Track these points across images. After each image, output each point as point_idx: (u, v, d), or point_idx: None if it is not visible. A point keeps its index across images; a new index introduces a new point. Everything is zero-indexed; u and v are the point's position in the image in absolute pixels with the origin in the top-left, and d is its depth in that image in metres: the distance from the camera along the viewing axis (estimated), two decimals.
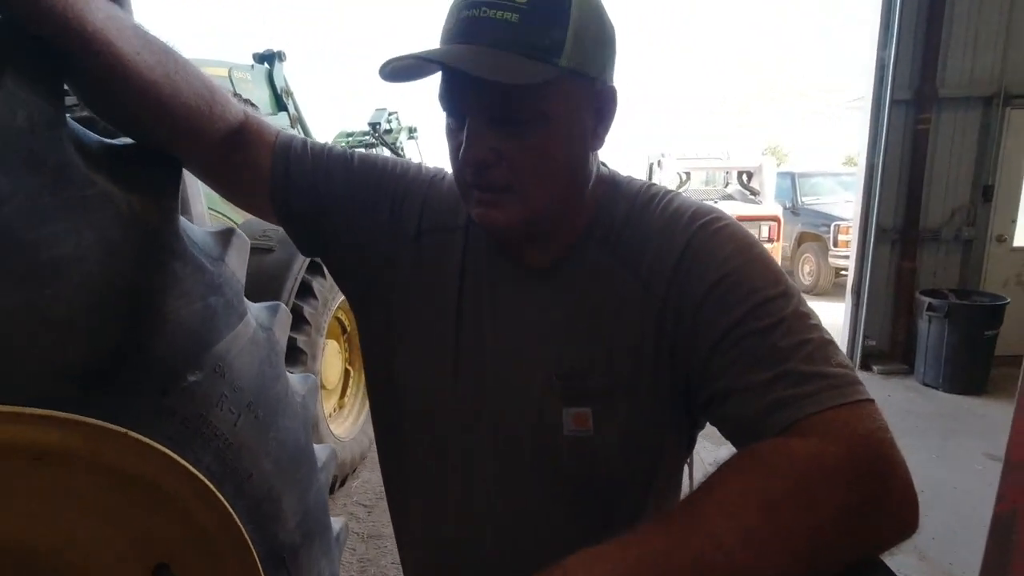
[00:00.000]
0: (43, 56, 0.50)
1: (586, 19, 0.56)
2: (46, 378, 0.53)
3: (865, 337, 4.52)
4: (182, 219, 0.70)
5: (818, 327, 0.57)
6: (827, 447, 0.49)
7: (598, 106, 0.61)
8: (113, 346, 0.57)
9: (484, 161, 0.57)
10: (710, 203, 0.74)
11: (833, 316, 5.09)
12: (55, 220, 0.49)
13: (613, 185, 0.68)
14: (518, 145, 0.57)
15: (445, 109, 0.60)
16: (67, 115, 0.52)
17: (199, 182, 0.72)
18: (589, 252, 0.65)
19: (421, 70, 0.56)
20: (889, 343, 4.53)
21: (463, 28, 0.54)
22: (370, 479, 3.17)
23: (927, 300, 4.04)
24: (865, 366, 4.52)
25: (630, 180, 0.69)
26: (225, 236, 0.78)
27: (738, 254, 0.59)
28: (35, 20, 0.48)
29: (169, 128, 0.61)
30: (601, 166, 0.69)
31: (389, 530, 2.74)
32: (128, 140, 0.64)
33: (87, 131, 0.59)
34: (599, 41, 0.58)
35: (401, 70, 0.56)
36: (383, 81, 0.58)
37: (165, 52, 0.59)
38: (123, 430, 0.56)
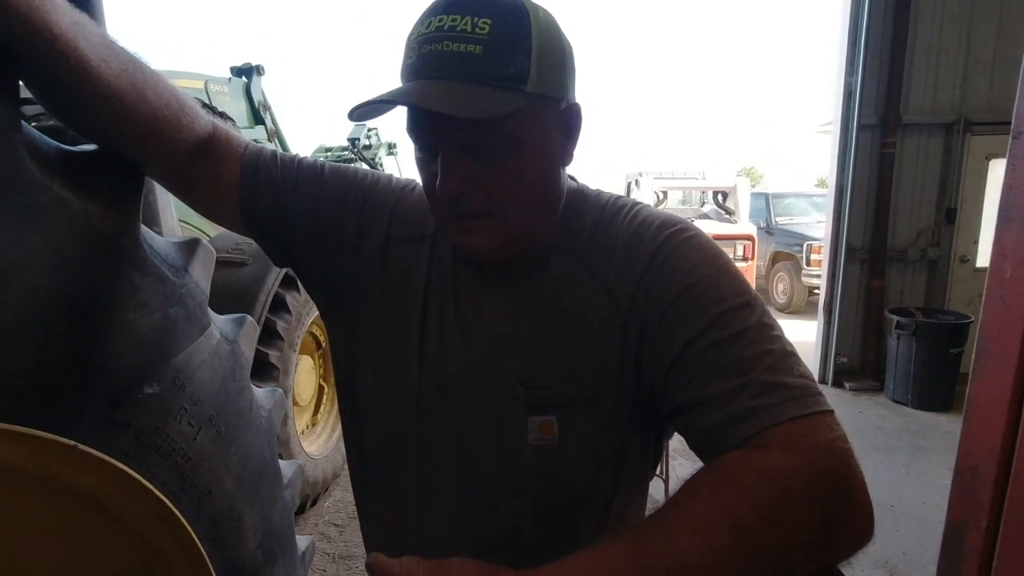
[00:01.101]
0: None
1: (546, 42, 0.56)
2: None
3: (837, 354, 4.61)
4: (144, 228, 0.69)
5: (781, 338, 0.57)
6: (789, 460, 0.50)
7: (565, 124, 0.62)
8: (61, 356, 0.55)
9: (462, 192, 0.58)
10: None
11: (806, 334, 5.19)
12: (1, 225, 0.48)
13: (582, 197, 0.69)
14: (493, 172, 0.58)
15: (416, 143, 0.60)
16: (22, 120, 0.51)
17: (169, 196, 0.71)
18: (556, 262, 0.66)
19: (388, 105, 0.56)
20: (860, 360, 4.62)
21: (427, 63, 0.54)
22: (343, 498, 3.10)
23: (895, 318, 4.14)
24: (837, 383, 4.59)
25: (598, 192, 0.70)
26: (189, 246, 0.77)
27: (704, 264, 0.60)
28: None
29: (135, 137, 0.61)
30: (570, 180, 0.70)
31: (361, 550, 2.67)
32: (89, 147, 0.63)
33: (45, 137, 0.58)
34: (560, 61, 0.59)
35: (370, 109, 0.56)
36: (352, 122, 0.58)
37: (132, 61, 0.59)
38: (70, 442, 0.54)
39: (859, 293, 4.56)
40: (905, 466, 3.31)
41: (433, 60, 0.54)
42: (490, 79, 0.54)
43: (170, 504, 0.71)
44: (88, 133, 0.62)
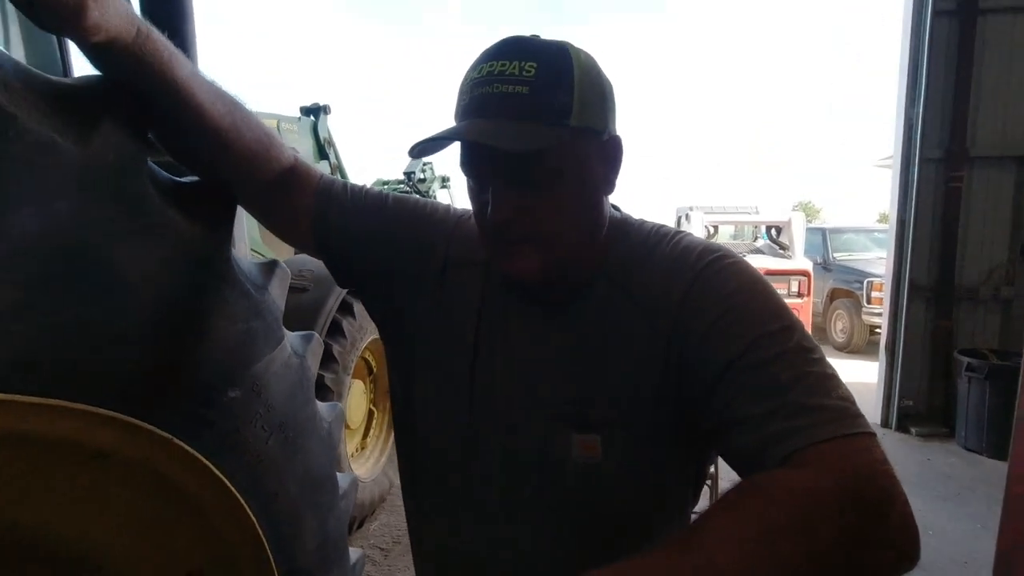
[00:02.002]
0: (132, 106, 0.59)
1: (587, 80, 0.62)
2: (104, 384, 0.59)
3: (901, 397, 4.37)
4: (233, 250, 0.77)
5: (820, 361, 0.59)
6: (824, 477, 0.50)
7: (607, 156, 0.67)
8: (165, 359, 0.63)
9: (508, 219, 0.63)
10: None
11: (867, 375, 4.94)
12: (129, 243, 0.57)
13: (625, 227, 0.73)
14: (538, 201, 0.63)
15: (467, 175, 0.67)
16: (148, 156, 0.60)
17: (244, 226, 0.79)
18: (599, 288, 0.70)
19: (444, 142, 0.62)
20: (927, 404, 4.36)
21: (479, 104, 0.61)
22: (388, 522, 3.14)
23: (966, 360, 3.91)
24: (902, 427, 4.34)
25: (642, 222, 0.74)
26: (269, 267, 0.86)
27: (742, 290, 0.63)
28: (138, 72, 0.57)
29: (233, 167, 0.70)
30: (614, 210, 0.74)
31: (404, 575, 2.69)
32: (193, 179, 0.73)
33: (161, 170, 0.67)
34: (601, 98, 0.64)
35: (428, 147, 0.63)
36: (412, 158, 0.65)
37: (233, 103, 0.68)
38: (168, 435, 0.61)
39: (924, 333, 4.34)
40: (980, 520, 3.08)
41: (484, 101, 0.60)
42: (536, 116, 0.59)
43: (244, 503, 0.78)
44: (193, 165, 0.71)
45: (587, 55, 0.64)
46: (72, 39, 0.52)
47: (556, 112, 0.60)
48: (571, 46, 0.63)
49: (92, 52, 0.55)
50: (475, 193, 0.67)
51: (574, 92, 0.60)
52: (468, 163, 0.65)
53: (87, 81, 0.57)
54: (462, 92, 0.63)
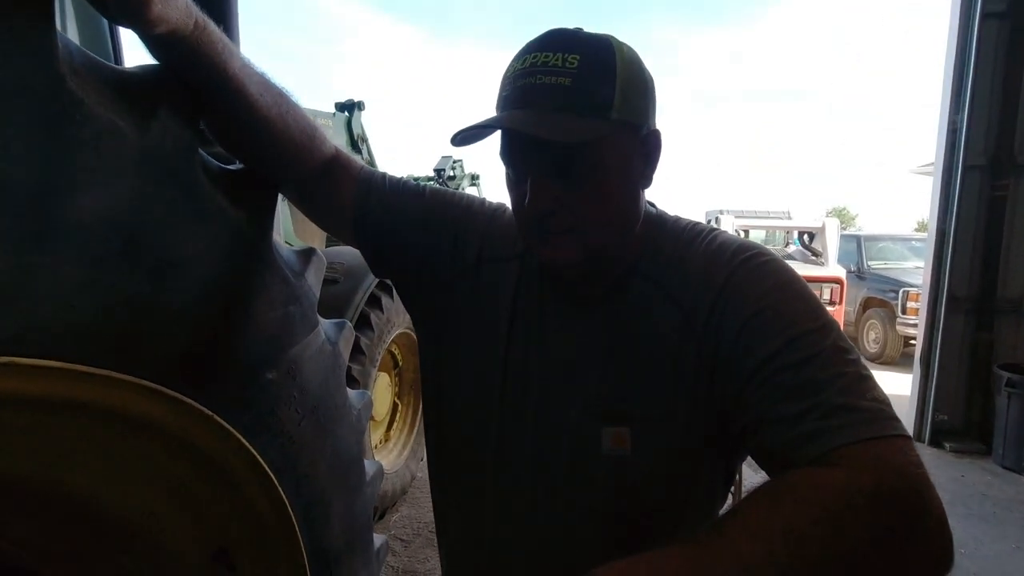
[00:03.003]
0: (186, 95, 0.62)
1: (629, 74, 0.62)
2: (154, 360, 0.61)
3: (935, 411, 4.24)
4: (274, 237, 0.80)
5: (856, 362, 0.58)
6: (856, 478, 0.50)
7: (646, 150, 0.67)
8: (210, 338, 0.66)
9: (547, 210, 0.64)
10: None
11: (901, 387, 4.81)
12: (181, 226, 0.59)
13: (660, 223, 0.73)
14: (577, 193, 0.63)
15: (507, 165, 0.67)
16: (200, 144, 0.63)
17: (280, 219, 0.81)
18: (635, 284, 0.70)
19: (485, 132, 0.63)
20: (963, 419, 4.22)
21: (521, 94, 0.61)
22: (409, 514, 3.18)
23: (1006, 375, 3.77)
24: (935, 442, 4.22)
25: (677, 219, 0.74)
26: (306, 255, 0.88)
27: (778, 289, 0.62)
28: (194, 63, 0.60)
29: (278, 157, 0.72)
30: (649, 206, 0.74)
31: (424, 567, 2.73)
32: (238, 167, 0.75)
33: (210, 157, 0.70)
34: (642, 92, 0.64)
35: (470, 135, 0.63)
36: (455, 147, 0.66)
37: (280, 94, 0.70)
38: (209, 412, 0.64)
39: (963, 346, 4.20)
40: (1016, 541, 2.97)
41: (527, 92, 0.61)
42: (577, 107, 0.60)
43: (276, 481, 0.80)
44: (240, 153, 0.74)
45: (630, 49, 0.64)
46: (135, 30, 0.55)
47: (597, 104, 0.60)
48: (615, 40, 0.63)
49: (153, 42, 0.57)
50: (513, 183, 0.68)
51: (616, 85, 0.61)
52: (508, 153, 0.66)
53: (145, 70, 0.60)
54: (505, 83, 0.64)
